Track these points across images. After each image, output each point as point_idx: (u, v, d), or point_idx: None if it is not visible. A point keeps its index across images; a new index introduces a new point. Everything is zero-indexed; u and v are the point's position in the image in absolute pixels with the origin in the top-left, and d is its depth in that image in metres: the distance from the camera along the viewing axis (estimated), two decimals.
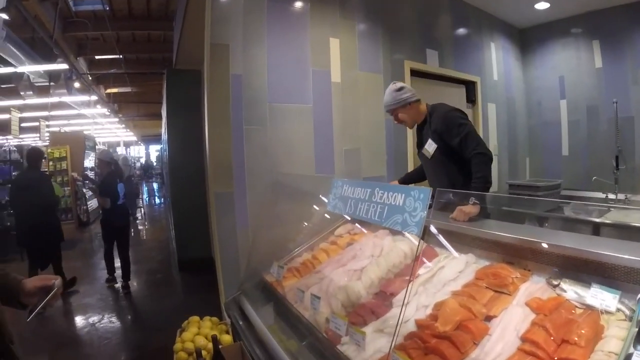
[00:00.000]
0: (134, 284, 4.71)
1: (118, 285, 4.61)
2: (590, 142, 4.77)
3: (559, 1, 4.35)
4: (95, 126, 13.79)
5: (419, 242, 1.52)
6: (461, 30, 4.22)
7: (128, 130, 18.36)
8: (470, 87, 4.42)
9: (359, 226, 2.43)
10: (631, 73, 4.37)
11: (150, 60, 10.86)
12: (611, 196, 3.93)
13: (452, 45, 4.06)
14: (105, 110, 11.45)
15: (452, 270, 1.65)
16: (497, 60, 4.77)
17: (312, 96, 2.75)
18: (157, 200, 14.52)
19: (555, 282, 1.34)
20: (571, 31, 4.82)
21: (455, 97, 4.24)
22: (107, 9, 7.38)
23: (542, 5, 4.45)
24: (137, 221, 9.95)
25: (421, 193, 1.18)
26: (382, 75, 3.25)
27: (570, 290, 1.28)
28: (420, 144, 2.46)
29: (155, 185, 16.94)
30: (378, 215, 1.36)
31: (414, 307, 1.52)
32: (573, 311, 1.20)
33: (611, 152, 4.50)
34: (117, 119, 14.34)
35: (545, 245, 1.44)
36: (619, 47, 4.45)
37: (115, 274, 4.71)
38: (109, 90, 12.72)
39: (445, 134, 2.26)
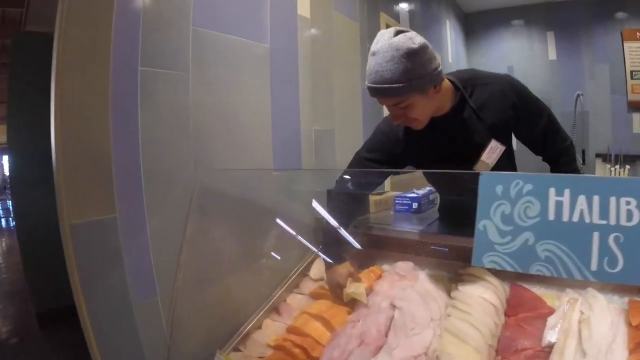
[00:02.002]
0: None
1: None
2: None
3: None
4: None
5: None
6: None
7: None
8: None
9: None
10: (587, 68, 4.18)
11: None
12: None
13: (418, 11, 3.23)
14: None
15: (602, 324, 0.94)
16: (451, 41, 4.14)
17: (270, 30, 1.57)
18: (4, 223, 11.33)
19: None
20: (523, 20, 4.52)
21: None
22: None
23: None
24: None
25: None
26: (359, 24, 2.21)
27: None
28: (453, 155, 1.27)
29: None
30: None
31: None
32: None
33: None
34: None
35: None
36: (575, 40, 4.24)
37: None
38: None
39: (518, 122, 1.26)
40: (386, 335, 1.11)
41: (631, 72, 4.00)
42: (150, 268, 1.13)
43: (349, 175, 1.39)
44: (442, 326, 1.10)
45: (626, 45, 4.02)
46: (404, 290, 1.23)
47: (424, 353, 1.02)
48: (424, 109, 1.16)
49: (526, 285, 1.22)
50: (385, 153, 1.34)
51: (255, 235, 1.41)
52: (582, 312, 1.00)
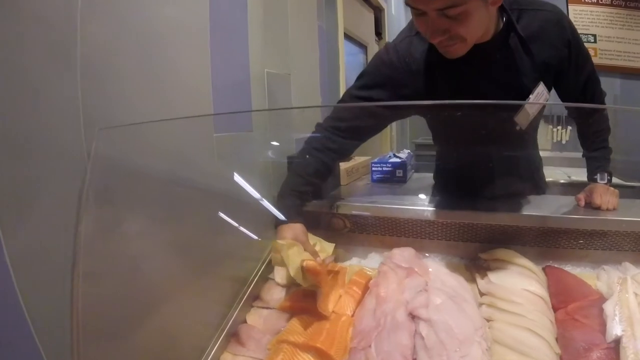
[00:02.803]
0: None
1: None
2: None
3: None
4: None
5: None
6: None
7: None
8: (378, 15, 3.32)
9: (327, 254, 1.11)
10: None
11: None
12: None
13: None
14: None
15: None
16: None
17: None
18: None
19: None
20: None
21: (366, 27, 3.08)
22: None
23: None
24: None
25: None
26: None
27: None
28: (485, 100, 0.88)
29: None
30: None
31: None
32: None
33: None
34: None
35: None
36: None
37: None
38: None
39: (569, 64, 0.98)
40: None
41: None
42: (22, 315, 0.59)
43: (339, 114, 1.00)
44: (486, 336, 0.78)
45: (571, 7, 4.02)
46: (424, 291, 0.89)
47: None
48: (478, 25, 0.81)
49: (558, 264, 1.05)
50: (389, 91, 0.95)
51: (191, 228, 0.94)
52: (635, 294, 0.85)
